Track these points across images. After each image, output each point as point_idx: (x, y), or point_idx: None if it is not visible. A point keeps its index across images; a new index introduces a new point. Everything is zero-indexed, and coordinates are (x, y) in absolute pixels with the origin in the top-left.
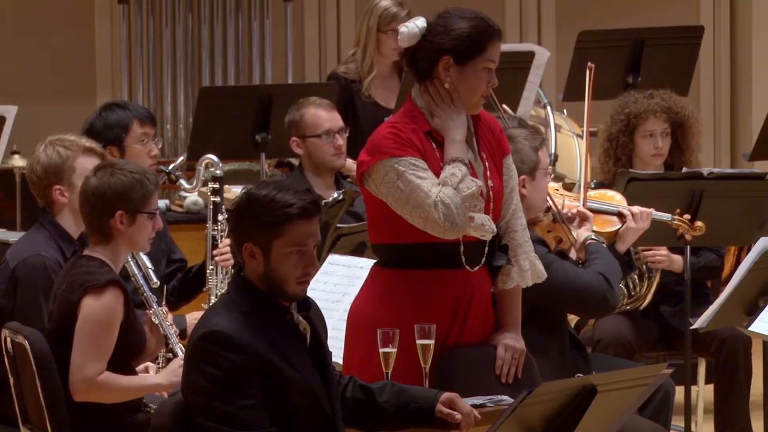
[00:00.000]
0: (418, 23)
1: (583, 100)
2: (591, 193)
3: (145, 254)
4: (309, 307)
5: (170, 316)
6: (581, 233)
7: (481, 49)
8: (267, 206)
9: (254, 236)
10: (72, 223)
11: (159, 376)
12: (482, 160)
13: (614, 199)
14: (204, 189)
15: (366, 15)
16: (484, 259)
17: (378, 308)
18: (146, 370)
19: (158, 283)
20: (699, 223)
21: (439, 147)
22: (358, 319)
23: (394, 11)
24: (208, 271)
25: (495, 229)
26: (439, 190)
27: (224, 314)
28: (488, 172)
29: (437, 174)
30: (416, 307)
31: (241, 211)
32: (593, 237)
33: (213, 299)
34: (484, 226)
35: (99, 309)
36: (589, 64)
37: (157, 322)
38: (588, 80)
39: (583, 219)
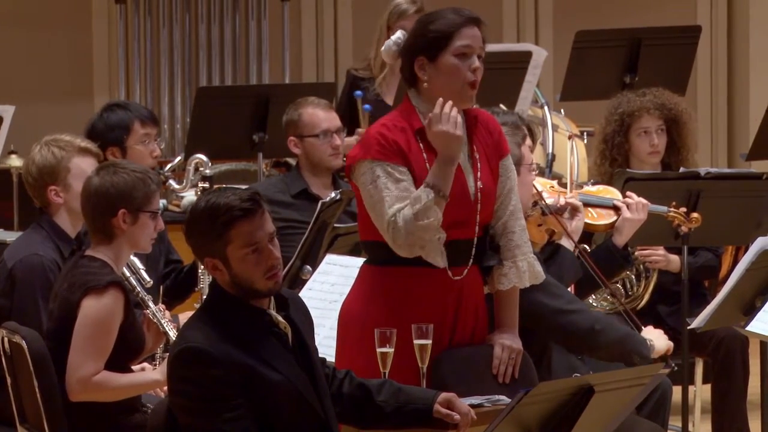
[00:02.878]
0: (393, 37)
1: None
2: (592, 188)
3: (136, 255)
4: (288, 306)
5: (168, 314)
6: (574, 225)
7: (448, 39)
8: (208, 218)
9: (208, 250)
10: (69, 223)
11: (155, 372)
12: (474, 161)
13: (614, 193)
14: (194, 189)
15: (383, 13)
16: (472, 261)
17: (367, 306)
18: (142, 370)
19: (151, 282)
20: (695, 215)
21: (428, 149)
22: (347, 318)
23: (403, 8)
24: (200, 271)
25: (446, 264)
26: (398, 209)
27: (199, 328)
28: (479, 173)
29: (418, 175)
30: (405, 304)
31: (189, 230)
32: None
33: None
34: (435, 258)
35: (98, 310)
36: (569, 134)
37: (155, 320)
38: (570, 148)
39: (574, 209)
